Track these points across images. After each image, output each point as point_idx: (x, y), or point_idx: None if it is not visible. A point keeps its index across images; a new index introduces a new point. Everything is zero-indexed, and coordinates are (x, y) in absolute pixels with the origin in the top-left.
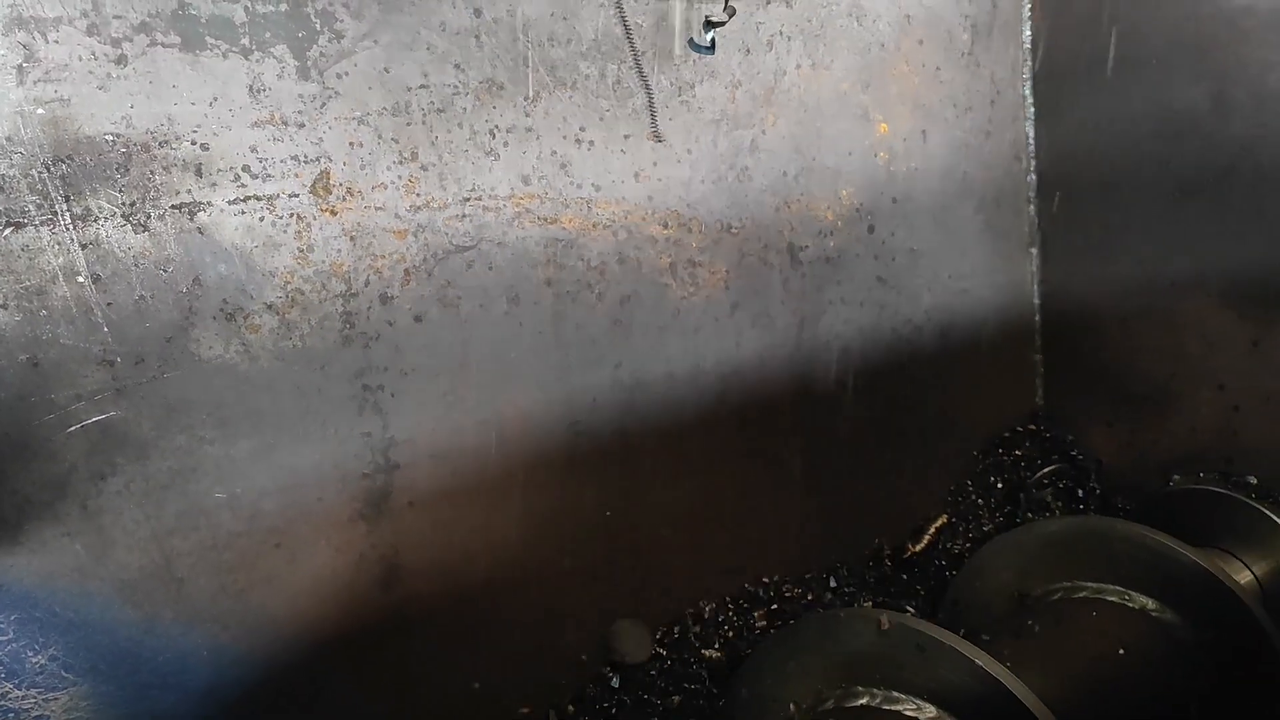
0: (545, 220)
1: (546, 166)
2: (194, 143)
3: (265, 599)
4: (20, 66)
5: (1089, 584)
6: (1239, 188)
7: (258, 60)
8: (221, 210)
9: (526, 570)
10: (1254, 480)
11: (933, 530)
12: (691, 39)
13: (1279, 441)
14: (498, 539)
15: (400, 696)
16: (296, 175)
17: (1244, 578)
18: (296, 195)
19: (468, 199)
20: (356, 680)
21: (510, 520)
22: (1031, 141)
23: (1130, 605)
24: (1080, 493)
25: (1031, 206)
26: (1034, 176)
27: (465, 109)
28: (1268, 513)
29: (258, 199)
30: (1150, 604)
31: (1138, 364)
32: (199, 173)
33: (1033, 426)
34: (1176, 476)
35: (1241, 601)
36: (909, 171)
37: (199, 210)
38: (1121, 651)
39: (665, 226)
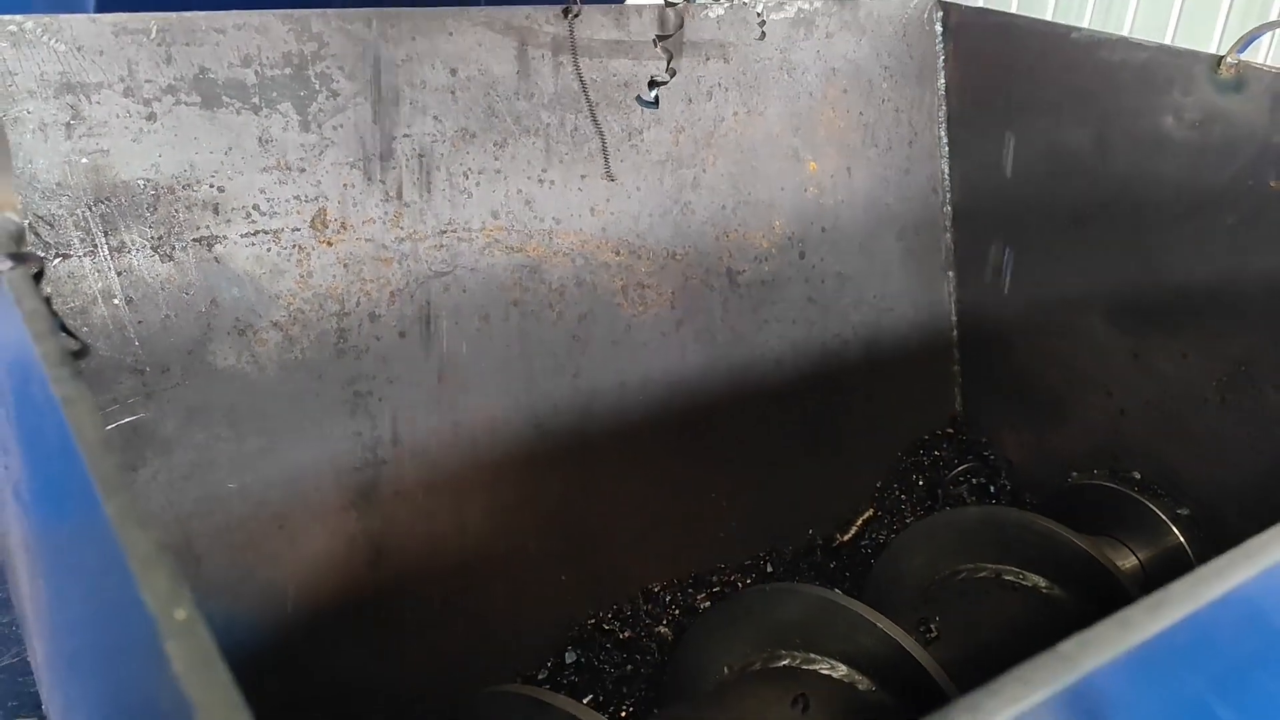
0: (512, 249)
1: (513, 203)
2: (212, 186)
3: (271, 575)
4: (68, 124)
5: (989, 565)
6: (1119, 218)
7: (266, 115)
8: (235, 242)
9: (495, 554)
10: (1138, 476)
11: (860, 522)
12: (639, 95)
13: (1158, 442)
14: (470, 526)
15: (385, 662)
16: (298, 212)
17: (1128, 562)
18: (299, 229)
19: (445, 231)
20: (349, 647)
21: (481, 510)
22: (946, 177)
23: (1024, 584)
24: (992, 489)
25: (948, 234)
26: (949, 208)
27: (443, 154)
28: (1149, 504)
29: (265, 233)
30: (1041, 582)
31: (1041, 374)
32: (216, 211)
33: (950, 430)
34: (1075, 474)
35: (1119, 580)
36: (836, 204)
37: (216, 243)
38: (1013, 623)
39: (617, 254)
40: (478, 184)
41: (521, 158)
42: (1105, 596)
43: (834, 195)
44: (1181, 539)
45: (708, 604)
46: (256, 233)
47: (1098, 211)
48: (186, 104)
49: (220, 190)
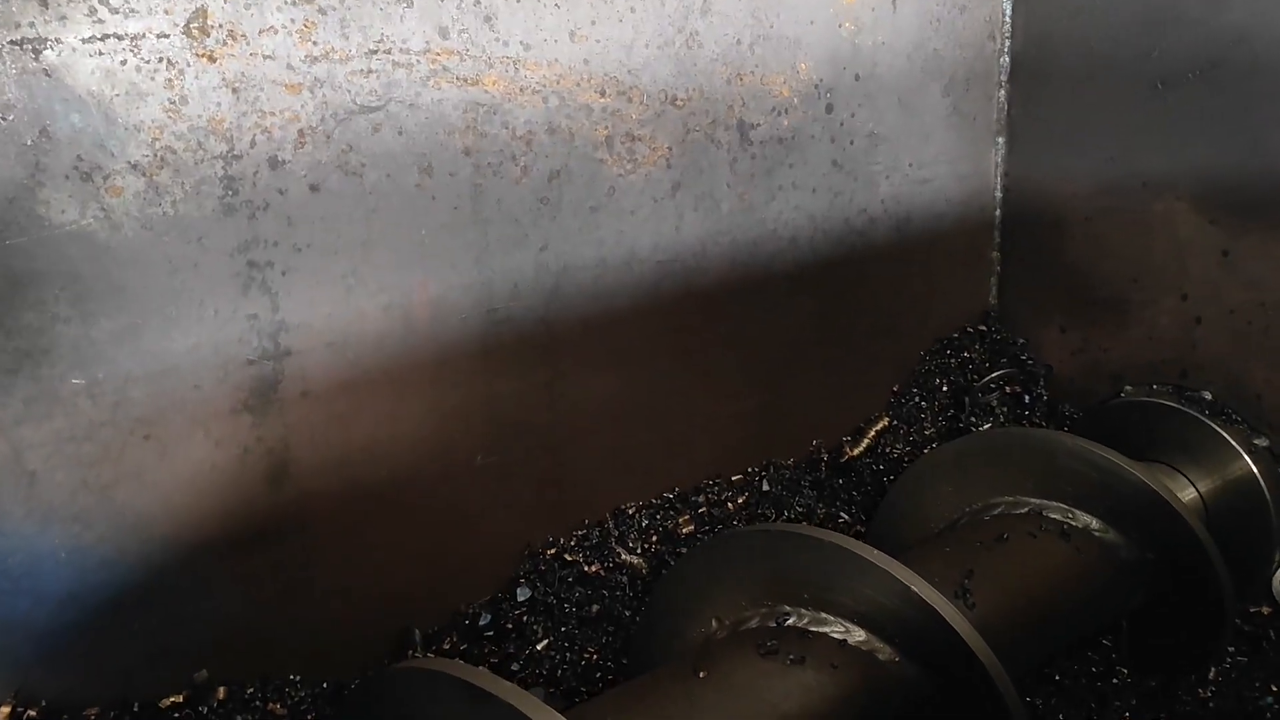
0: (465, 81)
1: (468, 18)
2: None
3: (134, 496)
4: None
5: (1032, 500)
6: (1227, 83)
7: None
8: (74, 50)
9: (433, 467)
10: (1208, 396)
11: (873, 433)
12: None
13: (1239, 357)
14: (402, 433)
15: (290, 598)
16: (167, 12)
17: (1188, 495)
18: (167, 35)
19: (374, 51)
20: (242, 582)
21: (417, 414)
22: (1008, 19)
23: (1074, 524)
24: (1027, 399)
25: (1002, 91)
26: (1007, 58)
27: None
28: (1218, 429)
29: (118, 38)
30: (1094, 524)
31: (1099, 266)
32: (44, 2)
33: (983, 327)
34: (1128, 387)
35: (1187, 523)
36: (875, 45)
37: (44, 47)
38: (1063, 575)
39: (602, 94)
40: None
41: None
42: (1169, 540)
43: (873, 34)
44: (1255, 471)
45: (691, 529)
46: (105, 37)
47: (1199, 73)
48: None
49: None
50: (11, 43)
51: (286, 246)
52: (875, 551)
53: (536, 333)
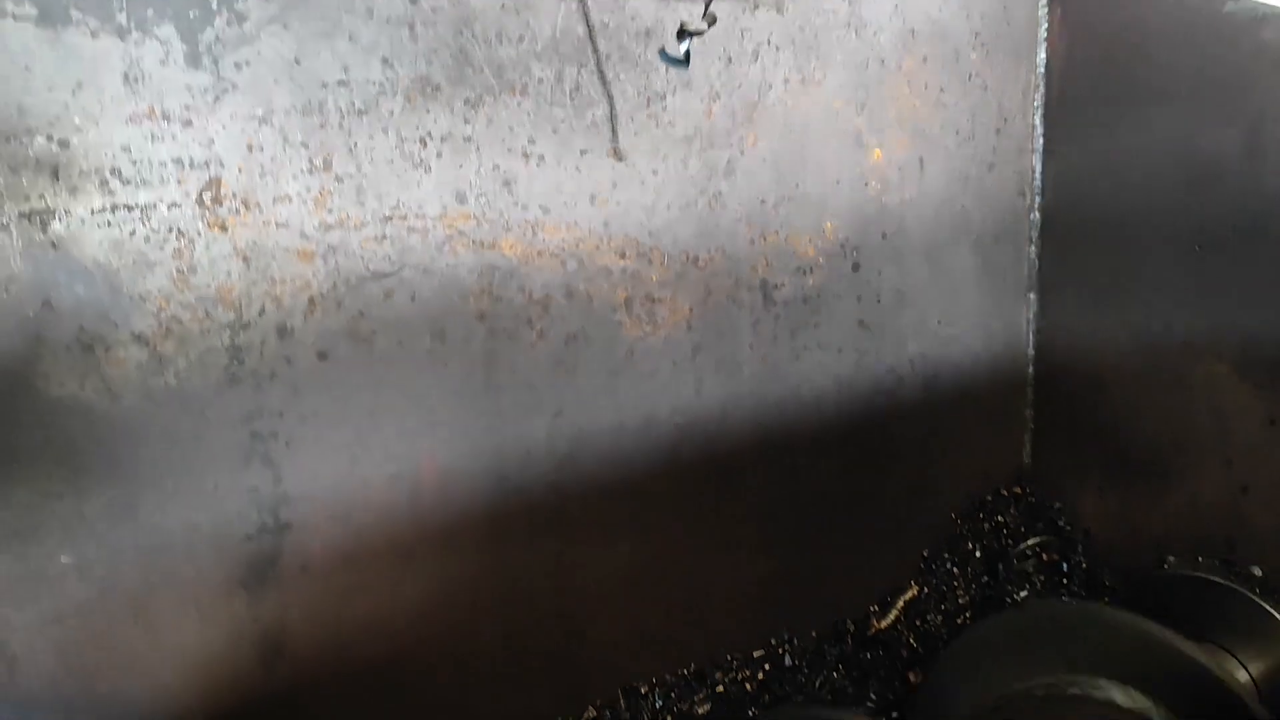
0: (482, 245)
1: (487, 183)
2: (51, 138)
3: (120, 681)
4: None
5: (1084, 678)
6: (1269, 246)
7: (136, 42)
8: (82, 221)
9: (437, 642)
10: (1258, 572)
11: (901, 604)
12: (663, 48)
13: None
14: (405, 608)
15: None
16: (179, 182)
17: (1240, 677)
18: (178, 205)
19: (390, 217)
20: None
21: (421, 587)
22: (1038, 176)
23: (1133, 705)
24: (1065, 566)
25: (1032, 248)
26: (1037, 215)
27: (392, 111)
28: (1270, 609)
29: (129, 209)
30: (1151, 708)
31: (1138, 428)
32: (56, 175)
33: (1018, 489)
34: (1172, 558)
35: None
36: (902, 203)
37: (53, 219)
38: None
39: (622, 256)
40: (439, 155)
41: (501, 122)
42: None
43: (900, 192)
44: None
45: (708, 708)
46: (115, 208)
47: (1240, 235)
48: (15, 18)
49: (63, 145)
50: (21, 215)
51: (292, 416)
52: None
53: (548, 500)
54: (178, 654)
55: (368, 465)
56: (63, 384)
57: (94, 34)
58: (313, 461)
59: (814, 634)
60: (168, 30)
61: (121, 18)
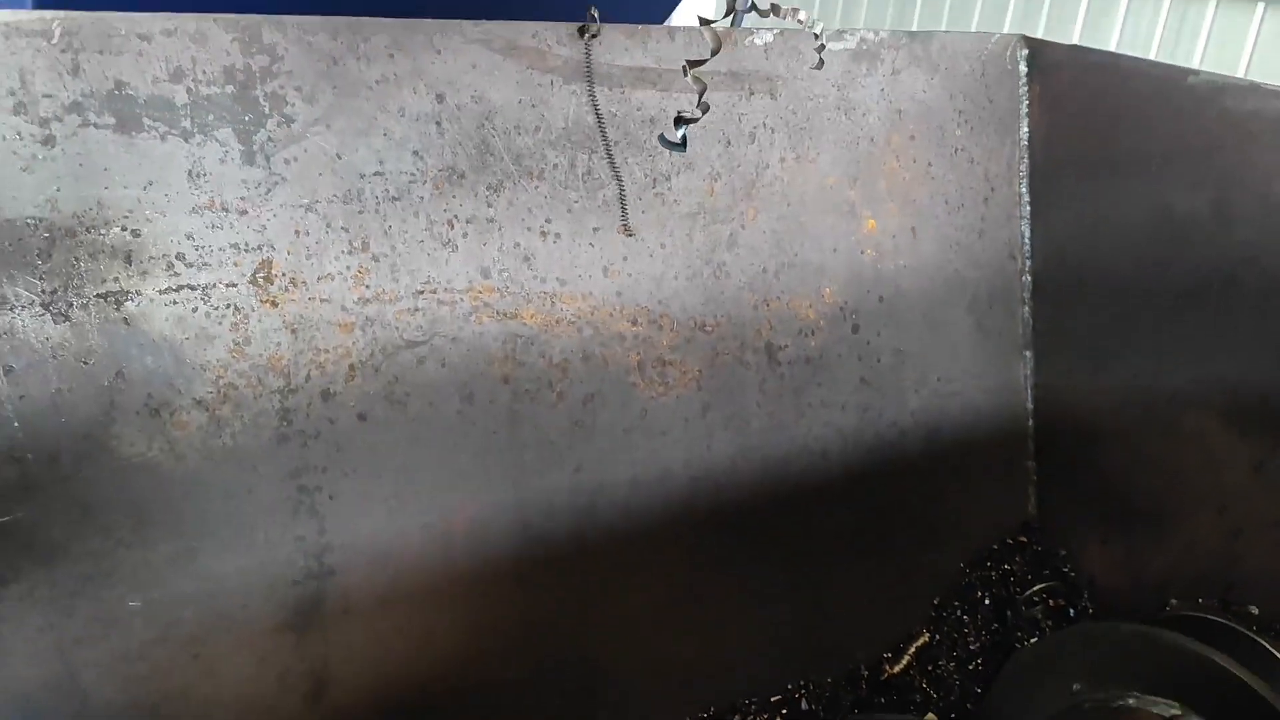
0: (505, 315)
1: (509, 259)
2: (125, 228)
3: (178, 713)
4: None
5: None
6: (1242, 298)
7: (199, 143)
8: (151, 300)
9: (468, 685)
10: (1255, 611)
11: (913, 650)
12: (662, 135)
13: None
14: (439, 649)
15: None
16: (236, 264)
17: None
18: (234, 285)
19: (421, 291)
20: None
21: (454, 630)
22: (1027, 241)
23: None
24: (1072, 612)
25: (1025, 308)
26: (1028, 277)
27: (422, 198)
28: (1267, 646)
29: (192, 288)
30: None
31: (1135, 478)
32: (129, 260)
33: (1024, 539)
34: (1174, 601)
35: None
36: (897, 269)
37: (127, 300)
38: None
39: (634, 323)
40: (465, 235)
41: (521, 205)
42: None
43: (895, 259)
44: None
45: None
46: (180, 288)
47: (1215, 289)
48: (97, 126)
49: (135, 234)
50: (98, 295)
51: (335, 472)
52: None
53: (570, 549)
54: (230, 690)
55: (403, 516)
56: (133, 444)
57: (163, 138)
58: (354, 513)
59: (829, 679)
60: (226, 133)
61: (186, 123)
